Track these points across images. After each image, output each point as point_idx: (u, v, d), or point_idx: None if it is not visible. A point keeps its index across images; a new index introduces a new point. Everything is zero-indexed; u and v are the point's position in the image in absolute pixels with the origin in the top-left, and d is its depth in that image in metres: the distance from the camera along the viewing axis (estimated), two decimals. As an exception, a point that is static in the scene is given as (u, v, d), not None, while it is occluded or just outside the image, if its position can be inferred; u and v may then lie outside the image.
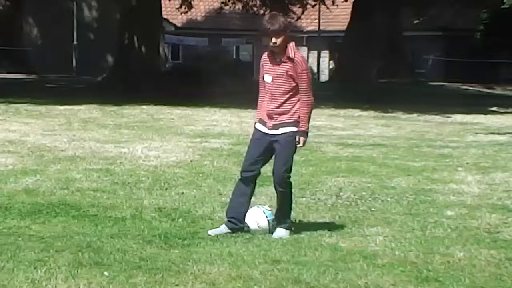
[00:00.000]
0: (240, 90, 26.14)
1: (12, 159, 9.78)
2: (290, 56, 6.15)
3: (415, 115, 19.02)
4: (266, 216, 6.37)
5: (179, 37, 39.59)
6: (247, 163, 6.37)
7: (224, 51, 40.92)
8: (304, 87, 6.18)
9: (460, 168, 9.93)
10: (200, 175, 9.06)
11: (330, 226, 6.65)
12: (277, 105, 6.24)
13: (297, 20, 35.10)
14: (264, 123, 6.34)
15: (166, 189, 8.19)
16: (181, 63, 39.13)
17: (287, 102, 6.21)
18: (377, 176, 9.18)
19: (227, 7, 32.84)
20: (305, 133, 6.23)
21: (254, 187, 6.47)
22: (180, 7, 31.02)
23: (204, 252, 5.66)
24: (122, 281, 4.88)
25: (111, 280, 4.89)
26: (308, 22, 41.21)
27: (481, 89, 32.91)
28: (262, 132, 6.34)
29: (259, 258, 5.53)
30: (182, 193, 8.00)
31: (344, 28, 33.91)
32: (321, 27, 40.36)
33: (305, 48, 43.95)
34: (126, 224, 6.58)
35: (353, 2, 32.42)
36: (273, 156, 6.34)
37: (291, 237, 6.26)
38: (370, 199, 7.86)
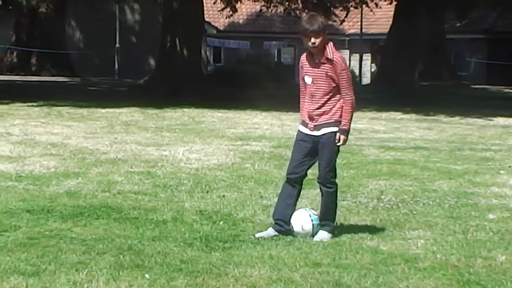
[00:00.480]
0: (282, 93, 26.14)
1: (54, 162, 9.90)
2: (329, 57, 6.13)
3: (457, 118, 18.81)
4: (312, 220, 6.36)
5: (221, 40, 39.73)
6: (292, 165, 6.37)
7: (265, 54, 40.92)
8: (345, 86, 6.15)
9: (502, 171, 9.79)
10: (241, 178, 9.07)
11: (371, 229, 6.61)
12: (317, 106, 6.23)
13: (340, 23, 34.98)
14: (306, 125, 6.35)
15: (207, 192, 8.22)
16: (223, 66, 39.26)
17: (328, 102, 6.20)
18: (418, 179, 9.10)
19: (269, 10, 32.84)
20: (345, 132, 6.20)
21: (300, 189, 6.46)
22: (224, 9, 31.11)
23: (245, 255, 5.67)
24: (163, 284, 4.91)
25: (152, 282, 4.92)
26: (350, 25, 41.06)
27: (524, 92, 32.43)
28: (305, 133, 6.34)
29: (300, 261, 5.52)
30: (223, 196, 8.02)
31: (386, 30, 33.73)
32: (363, 30, 40.18)
33: (347, 51, 43.81)
34: (167, 227, 6.61)
35: (396, 4, 32.22)
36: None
37: (332, 240, 6.24)
38: (411, 202, 7.79)
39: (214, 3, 32.08)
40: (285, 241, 6.14)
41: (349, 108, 6.18)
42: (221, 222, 6.86)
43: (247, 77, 30.02)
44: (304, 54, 6.36)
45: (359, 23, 39.97)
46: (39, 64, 37.70)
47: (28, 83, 30.61)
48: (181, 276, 5.05)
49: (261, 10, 32.85)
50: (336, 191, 6.37)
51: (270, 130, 14.89)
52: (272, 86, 28.93)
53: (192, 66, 24.59)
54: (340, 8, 31.37)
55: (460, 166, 10.24)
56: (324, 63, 6.15)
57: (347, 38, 43.41)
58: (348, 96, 6.17)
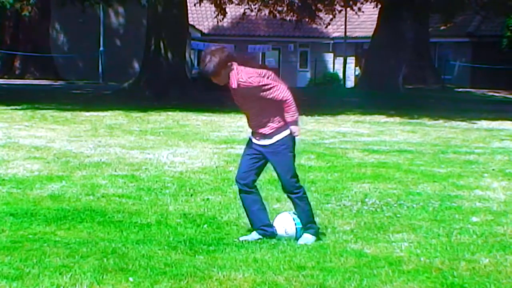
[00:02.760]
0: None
1: (38, 165, 9.86)
2: (234, 87, 6.07)
3: (441, 121, 18.90)
4: (295, 224, 6.36)
5: (206, 43, 39.73)
6: (241, 171, 6.33)
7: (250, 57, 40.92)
8: (269, 94, 6.02)
9: (486, 175, 9.85)
10: (226, 181, 9.07)
11: (355, 232, 6.63)
12: (256, 123, 6.19)
13: (326, 27, 35.07)
14: (253, 136, 6.30)
15: (191, 195, 8.22)
16: (207, 70, 39.19)
17: (264, 115, 6.11)
18: (402, 182, 9.14)
19: (253, 13, 32.88)
20: (295, 122, 6.11)
21: (258, 191, 6.40)
22: (217, 15, 31.20)
23: (229, 258, 5.67)
24: (147, 287, 4.90)
25: (136, 286, 4.91)
26: (334, 28, 41.18)
27: (507, 96, 32.63)
28: (254, 142, 6.29)
29: (284, 264, 5.53)
30: (208, 199, 8.01)
31: (370, 34, 33.82)
32: (347, 33, 40.30)
33: (331, 54, 43.93)
34: (151, 230, 6.60)
35: (380, 8, 32.32)
36: (273, 167, 6.27)
37: (316, 243, 6.25)
38: (395, 205, 7.82)
39: (196, 4, 32.04)
40: (269, 244, 6.14)
41: (286, 101, 6.04)
42: (205, 225, 6.86)
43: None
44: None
45: (343, 27, 40.08)
46: (23, 67, 37.54)
47: (11, 86, 30.48)
48: (165, 279, 5.04)
49: (245, 13, 32.86)
50: (304, 193, 6.33)
51: (255, 133, 14.88)
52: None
53: (176, 70, 24.58)
54: (325, 11, 31.46)
55: (444, 169, 10.28)
56: (236, 89, 6.10)
57: (331, 42, 43.53)
58: (278, 96, 6.03)
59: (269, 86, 6.03)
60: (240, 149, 11.99)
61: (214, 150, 11.76)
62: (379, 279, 5.21)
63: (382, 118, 19.12)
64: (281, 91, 6.05)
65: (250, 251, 5.87)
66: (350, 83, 40.57)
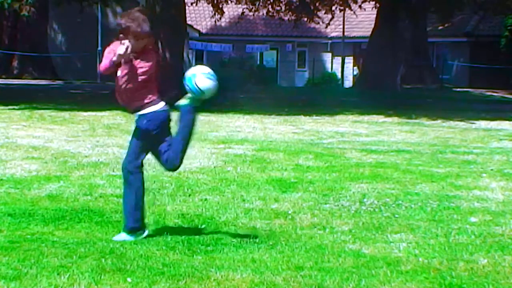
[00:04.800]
0: (264, 96, 26.19)
1: (36, 165, 9.84)
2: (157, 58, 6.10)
3: (439, 121, 18.91)
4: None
5: (204, 43, 39.74)
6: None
7: (248, 57, 40.98)
8: None
9: (484, 175, 9.84)
10: (224, 181, 9.06)
11: (354, 233, 6.62)
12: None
13: (326, 26, 35.06)
14: None
15: (189, 195, 8.21)
16: (205, 69, 39.21)
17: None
18: (400, 183, 9.13)
19: (251, 13, 32.89)
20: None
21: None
22: (214, 15, 31.19)
23: (227, 258, 5.66)
24: (145, 287, 4.89)
25: (134, 286, 4.90)
26: (332, 28, 41.19)
27: (506, 95, 32.66)
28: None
29: (282, 265, 5.52)
30: (205, 199, 8.01)
31: (368, 34, 33.86)
32: (345, 33, 40.33)
33: (329, 54, 43.95)
34: (149, 230, 6.59)
35: (378, 8, 32.34)
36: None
37: (314, 243, 6.25)
38: (393, 205, 7.81)
39: (192, 3, 32.03)
40: (267, 245, 6.14)
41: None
42: (203, 226, 6.85)
43: (229, 80, 30.03)
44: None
45: (342, 26, 40.11)
46: (21, 67, 37.53)
47: (9, 86, 30.45)
48: (163, 279, 5.03)
49: (243, 12, 32.87)
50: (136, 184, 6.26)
51: (253, 133, 14.90)
52: (255, 89, 28.98)
53: (174, 70, 24.56)
54: (324, 11, 31.48)
55: (442, 169, 10.28)
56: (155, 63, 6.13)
57: (330, 41, 43.57)
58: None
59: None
60: (239, 149, 12.04)
61: (212, 150, 11.75)
62: (377, 279, 5.20)
63: (380, 118, 19.13)
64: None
65: (248, 251, 5.87)
66: (348, 83, 40.60)
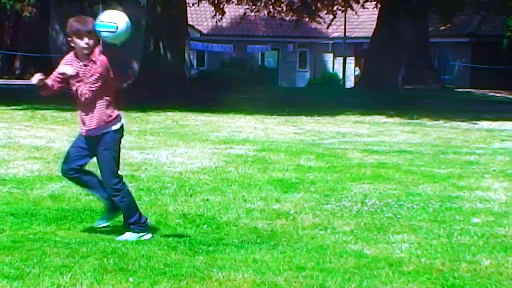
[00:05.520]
0: (265, 97, 26.19)
1: (38, 165, 9.85)
2: (94, 59, 6.06)
3: (441, 121, 18.90)
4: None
5: (205, 43, 39.74)
6: (66, 159, 6.38)
7: (249, 57, 40.98)
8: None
9: (486, 175, 9.84)
10: (225, 181, 9.06)
11: (355, 233, 6.62)
12: (86, 110, 6.18)
13: (328, 27, 35.05)
14: (81, 128, 6.26)
15: (190, 195, 8.21)
16: (207, 70, 39.26)
17: (97, 104, 6.16)
18: (402, 183, 9.13)
19: (252, 14, 32.88)
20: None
21: (87, 171, 6.41)
22: (215, 15, 31.18)
23: (229, 258, 5.66)
24: (147, 287, 4.89)
25: (136, 286, 4.90)
26: (333, 28, 41.19)
27: (508, 96, 32.64)
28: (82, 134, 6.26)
29: (284, 265, 5.52)
30: (207, 199, 8.00)
31: (369, 34, 33.87)
32: (346, 34, 40.32)
33: (331, 55, 43.95)
34: (151, 230, 6.59)
35: (379, 8, 32.34)
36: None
37: (315, 244, 6.24)
38: (395, 206, 7.81)
39: (194, 4, 32.03)
40: (269, 245, 6.14)
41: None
42: (205, 226, 6.85)
43: (230, 80, 30.06)
44: (69, 56, 6.22)
45: (343, 27, 40.10)
46: (23, 68, 37.53)
47: (11, 86, 30.46)
48: (165, 279, 5.04)
49: (245, 13, 32.87)
50: (123, 197, 6.23)
51: (254, 133, 14.90)
52: (256, 89, 28.97)
53: (175, 70, 24.57)
54: (325, 12, 31.47)
55: (444, 169, 10.27)
56: (87, 65, 6.05)
57: (331, 42, 43.57)
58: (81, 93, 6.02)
59: (97, 79, 6.15)
60: (240, 149, 12.05)
61: (214, 150, 11.75)
62: (379, 280, 5.20)
63: (381, 119, 19.13)
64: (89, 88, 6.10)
65: (249, 251, 5.87)
66: (349, 83, 40.60)
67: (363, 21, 40.16)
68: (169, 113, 18.56)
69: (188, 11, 27.56)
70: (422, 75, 36.30)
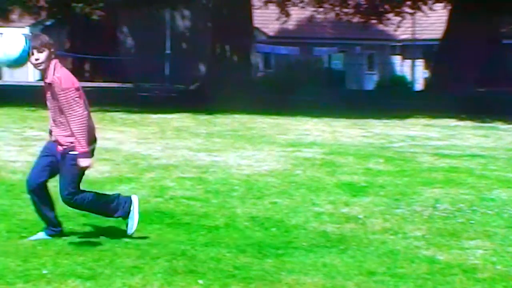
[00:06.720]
0: (333, 99, 26.01)
1: (108, 167, 9.96)
2: (48, 79, 5.84)
3: (515, 125, 18.44)
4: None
5: (271, 46, 39.76)
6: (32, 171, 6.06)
7: (316, 60, 40.82)
8: (66, 107, 5.80)
9: None
10: (293, 184, 9.01)
11: (427, 238, 6.49)
12: (59, 129, 5.93)
13: (396, 29, 34.66)
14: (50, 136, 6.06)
15: (258, 198, 8.18)
16: (273, 72, 39.27)
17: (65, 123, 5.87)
18: (475, 188, 8.91)
19: (319, 16, 32.75)
20: (84, 155, 5.80)
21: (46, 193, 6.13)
22: (279, 17, 31.22)
23: (298, 262, 5.61)
24: (217, 290, 4.88)
25: (205, 288, 4.90)
26: (402, 30, 40.69)
27: None
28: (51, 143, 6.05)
29: (354, 270, 5.44)
30: (275, 202, 7.97)
31: (439, 36, 33.32)
32: (415, 35, 39.82)
33: (399, 57, 43.46)
34: (220, 233, 6.59)
35: (450, 9, 31.80)
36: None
37: (386, 248, 6.13)
38: (468, 211, 7.63)
39: (261, 7, 32.06)
40: (339, 249, 6.07)
41: (78, 129, 5.76)
42: (273, 229, 6.81)
43: (297, 83, 29.97)
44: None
45: (411, 29, 39.61)
46: (93, 70, 38.25)
47: (82, 89, 30.97)
48: (235, 282, 5.01)
49: (312, 16, 32.76)
50: (80, 200, 6.05)
51: (321, 136, 14.80)
52: (323, 92, 28.81)
53: (242, 72, 24.65)
54: (393, 13, 31.11)
55: (519, 174, 10.00)
56: (50, 84, 5.86)
57: (399, 44, 43.06)
58: (72, 116, 5.77)
59: (70, 97, 5.81)
60: (308, 152, 11.97)
61: (281, 153, 11.70)
62: (453, 286, 5.08)
63: (452, 122, 18.77)
64: (77, 110, 5.80)
65: (319, 255, 5.81)
66: (418, 86, 40.07)
67: (433, 23, 39.56)
68: (236, 116, 18.59)
69: (254, 14, 27.60)
70: (495, 78, 35.56)
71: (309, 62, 38.63)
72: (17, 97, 22.16)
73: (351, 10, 31.52)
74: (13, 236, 6.24)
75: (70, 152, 5.86)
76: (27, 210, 6.41)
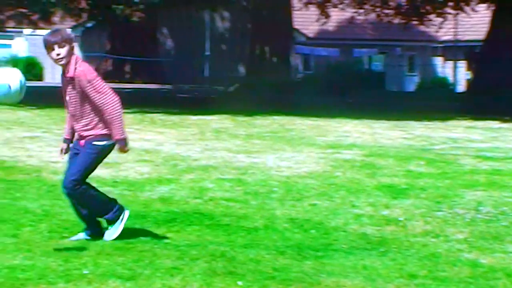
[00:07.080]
0: (372, 101, 25.88)
1: (148, 168, 10.01)
2: (71, 74, 5.82)
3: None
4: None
5: (311, 47, 39.68)
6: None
7: (356, 61, 40.62)
8: (97, 97, 5.81)
9: None
10: (332, 186, 8.96)
11: (469, 241, 6.41)
12: (81, 124, 5.94)
13: (437, 30, 34.34)
14: (76, 143, 6.06)
15: (298, 199, 8.15)
16: (313, 74, 39.18)
17: (91, 118, 5.89)
18: (519, 191, 8.78)
19: (360, 17, 32.60)
20: (123, 141, 5.88)
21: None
22: (319, 19, 31.15)
23: (338, 264, 5.57)
24: (256, 291, 4.86)
25: (244, 290, 4.89)
26: (443, 31, 40.31)
27: None
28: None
29: (395, 272, 5.38)
30: (315, 204, 7.93)
31: (482, 37, 32.92)
32: (458, 37, 39.42)
33: (441, 58, 43.05)
34: (259, 234, 6.57)
35: (494, 10, 31.40)
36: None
37: (427, 251, 6.06)
38: (512, 214, 7.51)
39: (301, 8, 32.01)
40: (379, 252, 6.02)
41: (114, 115, 5.84)
42: (313, 231, 6.78)
43: (337, 84, 29.85)
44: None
45: (453, 30, 39.23)
46: (133, 72, 38.54)
47: (122, 90, 31.20)
48: (274, 284, 4.99)
49: (353, 17, 32.62)
50: (82, 191, 5.94)
51: (361, 138, 14.72)
52: (363, 93, 28.66)
53: (281, 74, 24.66)
54: (434, 14, 30.81)
55: None
56: (72, 79, 5.83)
57: (440, 45, 42.65)
58: (105, 105, 5.82)
59: (98, 86, 5.82)
60: (347, 154, 11.90)
61: (320, 155, 11.66)
62: (496, 291, 5.00)
63: (495, 124, 18.52)
64: (108, 97, 5.84)
65: (359, 257, 5.77)
66: (460, 87, 39.65)
67: (475, 24, 39.10)
68: (275, 117, 18.57)
69: (294, 15, 27.59)
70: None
71: (349, 64, 38.44)
72: (58, 98, 22.41)
73: (392, 11, 31.30)
74: (55, 236, 6.29)
75: (94, 143, 5.91)
76: (68, 210, 6.46)
